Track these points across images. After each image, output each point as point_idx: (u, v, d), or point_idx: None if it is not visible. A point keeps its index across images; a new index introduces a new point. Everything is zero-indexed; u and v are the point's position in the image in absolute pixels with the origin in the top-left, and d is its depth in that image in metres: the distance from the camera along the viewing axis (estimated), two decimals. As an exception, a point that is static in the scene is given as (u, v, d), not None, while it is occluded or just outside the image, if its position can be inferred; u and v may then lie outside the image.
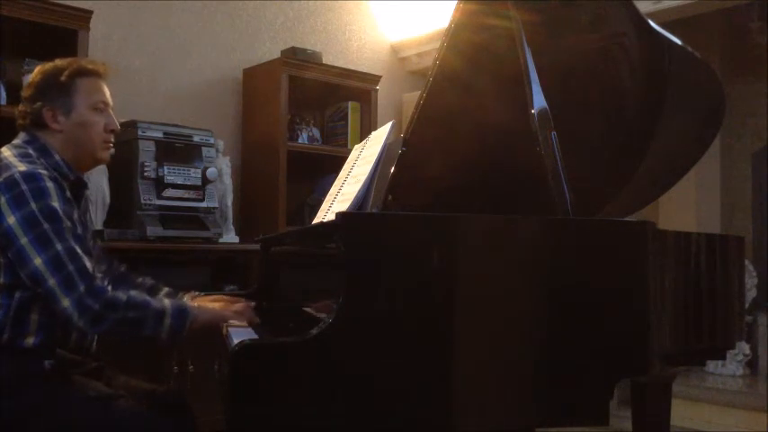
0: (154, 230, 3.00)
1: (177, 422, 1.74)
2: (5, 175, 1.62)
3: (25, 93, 1.82)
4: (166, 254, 3.04)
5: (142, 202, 3.02)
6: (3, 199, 1.60)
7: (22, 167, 1.64)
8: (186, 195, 3.15)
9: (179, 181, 3.12)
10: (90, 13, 2.96)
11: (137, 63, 3.48)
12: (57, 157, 1.75)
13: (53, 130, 1.77)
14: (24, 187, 1.60)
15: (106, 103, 1.83)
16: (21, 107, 1.81)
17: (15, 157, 1.69)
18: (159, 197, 3.06)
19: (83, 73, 1.81)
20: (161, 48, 3.61)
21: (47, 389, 1.61)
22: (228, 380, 1.29)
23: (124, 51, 3.47)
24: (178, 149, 3.17)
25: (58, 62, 1.85)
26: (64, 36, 2.94)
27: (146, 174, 3.04)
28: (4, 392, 1.57)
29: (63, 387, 1.63)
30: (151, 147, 3.08)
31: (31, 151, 1.73)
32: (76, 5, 2.97)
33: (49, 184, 1.64)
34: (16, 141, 1.78)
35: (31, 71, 2.91)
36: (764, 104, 4.52)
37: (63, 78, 1.78)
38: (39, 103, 1.76)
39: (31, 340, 1.64)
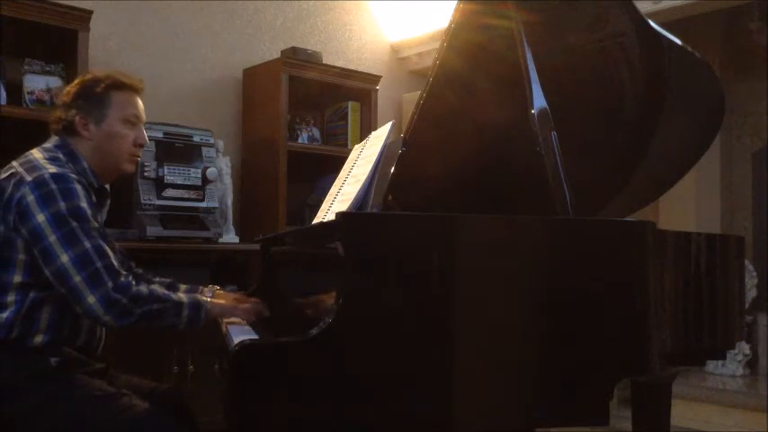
0: (154, 230, 2.99)
1: (178, 421, 1.76)
2: (35, 174, 1.67)
3: (61, 100, 1.88)
4: (166, 254, 3.04)
5: (142, 201, 3.02)
6: (31, 197, 1.63)
7: (52, 169, 1.69)
8: (186, 195, 3.15)
9: (179, 181, 3.12)
10: (90, 13, 2.95)
11: (137, 63, 3.48)
12: (84, 164, 1.81)
13: (83, 138, 1.82)
14: (53, 187, 1.65)
15: (138, 118, 1.89)
16: (56, 113, 1.86)
17: (45, 159, 1.74)
18: (159, 197, 3.06)
19: (119, 86, 1.86)
20: (161, 48, 3.60)
21: (52, 386, 1.63)
22: (228, 380, 1.29)
23: (124, 51, 3.46)
24: (178, 149, 3.17)
25: (98, 73, 1.91)
26: (64, 36, 2.94)
27: (146, 174, 3.04)
28: (9, 389, 1.60)
29: (68, 385, 1.65)
30: (151, 147, 3.07)
31: (60, 155, 1.78)
32: (76, 5, 2.96)
33: (77, 186, 1.69)
34: (47, 145, 1.83)
35: (31, 71, 2.95)
36: (764, 104, 4.52)
37: (99, 89, 1.83)
38: (73, 111, 1.82)
39: (39, 339, 1.67)
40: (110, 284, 1.60)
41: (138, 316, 1.63)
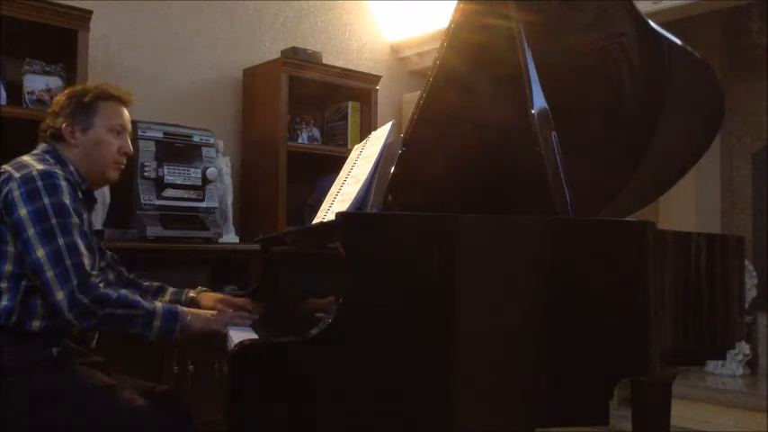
0: (154, 230, 2.99)
1: (175, 416, 1.78)
2: (24, 171, 1.74)
3: (51, 109, 1.96)
4: (166, 254, 3.04)
5: (142, 202, 3.02)
6: (17, 192, 1.70)
7: (40, 167, 1.76)
8: (186, 195, 3.14)
9: (179, 181, 3.12)
10: (90, 13, 2.95)
11: (137, 63, 3.48)
12: (71, 167, 1.88)
13: (70, 145, 1.89)
14: (40, 183, 1.72)
15: (124, 127, 1.96)
16: (45, 121, 1.93)
17: (34, 160, 1.81)
18: (159, 197, 3.06)
19: (106, 97, 1.94)
20: (161, 48, 3.60)
21: (54, 376, 1.67)
22: (228, 380, 1.29)
23: (124, 51, 3.47)
24: (178, 149, 3.17)
25: (87, 85, 2.00)
26: (64, 36, 2.94)
27: (146, 174, 3.04)
28: (12, 378, 1.64)
29: (70, 375, 1.69)
30: (151, 147, 3.08)
31: (48, 158, 1.85)
32: (76, 5, 2.96)
33: (63, 183, 1.75)
34: (35, 151, 1.90)
35: (31, 71, 2.94)
36: (764, 104, 4.52)
37: (87, 99, 1.91)
38: (60, 119, 1.89)
39: (37, 324, 1.71)
40: (75, 283, 1.64)
41: (99, 318, 1.66)
